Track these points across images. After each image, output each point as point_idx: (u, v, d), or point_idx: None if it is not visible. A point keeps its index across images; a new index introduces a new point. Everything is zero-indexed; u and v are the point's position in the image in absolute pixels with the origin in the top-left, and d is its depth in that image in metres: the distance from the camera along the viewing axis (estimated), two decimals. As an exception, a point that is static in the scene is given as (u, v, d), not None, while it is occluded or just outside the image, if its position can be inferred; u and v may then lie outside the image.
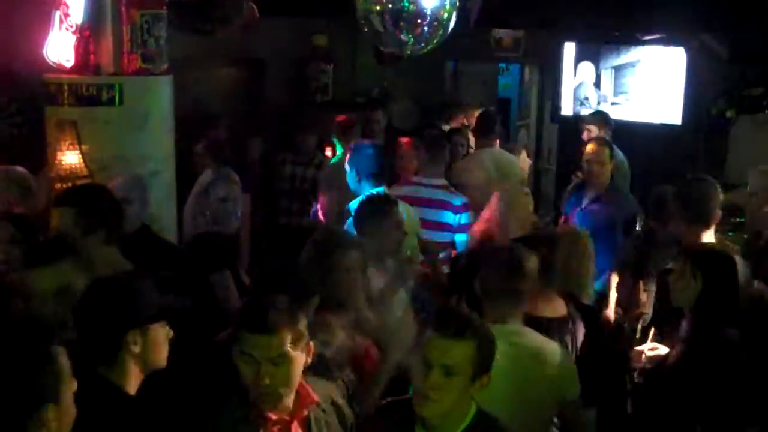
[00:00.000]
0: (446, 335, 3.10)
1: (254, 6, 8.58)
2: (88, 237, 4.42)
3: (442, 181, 6.70)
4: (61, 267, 3.71)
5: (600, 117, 8.53)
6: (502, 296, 4.08)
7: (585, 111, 9.92)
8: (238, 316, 3.18)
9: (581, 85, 10.34)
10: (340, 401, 3.44)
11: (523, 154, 8.38)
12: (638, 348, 4.55)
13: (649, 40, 7.57)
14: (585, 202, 6.95)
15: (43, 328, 2.64)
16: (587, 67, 10.24)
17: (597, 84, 10.20)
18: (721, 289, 4.07)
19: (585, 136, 8.02)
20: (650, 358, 4.45)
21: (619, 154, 7.94)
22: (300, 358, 3.13)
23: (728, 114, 6.14)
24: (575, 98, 10.46)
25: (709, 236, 5.02)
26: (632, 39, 8.36)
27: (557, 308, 4.51)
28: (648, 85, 9.67)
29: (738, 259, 4.70)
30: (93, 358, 3.15)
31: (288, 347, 3.06)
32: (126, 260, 4.56)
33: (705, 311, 4.06)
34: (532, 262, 4.20)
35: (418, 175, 6.72)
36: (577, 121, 9.81)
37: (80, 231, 4.42)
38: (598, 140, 7.25)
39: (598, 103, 10.12)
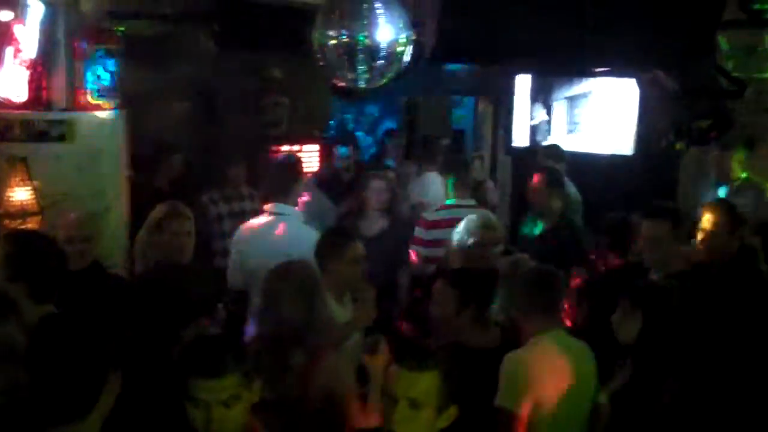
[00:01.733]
0: (410, 368, 3.09)
1: (209, 39, 8.58)
2: (13, 284, 4.23)
3: (473, 201, 7.06)
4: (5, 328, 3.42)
5: (552, 151, 8.61)
6: (538, 309, 4.30)
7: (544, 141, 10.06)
8: (183, 361, 3.14)
9: (538, 120, 10.45)
10: None
11: (490, 183, 8.43)
12: None
13: (601, 72, 7.70)
14: (537, 232, 7.03)
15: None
16: (541, 102, 10.37)
17: (549, 115, 10.31)
18: (661, 326, 4.05)
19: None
20: None
21: (572, 188, 8.02)
22: (250, 398, 3.14)
23: (678, 146, 6.24)
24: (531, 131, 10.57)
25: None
26: (584, 71, 8.48)
27: (491, 339, 4.52)
28: (600, 116, 9.80)
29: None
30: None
31: (239, 388, 3.06)
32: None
33: (645, 350, 4.05)
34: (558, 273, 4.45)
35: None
36: (531, 153, 9.92)
37: (5, 276, 4.30)
38: (541, 170, 7.29)
39: (550, 134, 10.24)
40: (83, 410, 2.86)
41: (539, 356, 4.18)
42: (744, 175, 7.55)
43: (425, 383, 3.08)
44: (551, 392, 4.12)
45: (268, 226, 6.05)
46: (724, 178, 7.48)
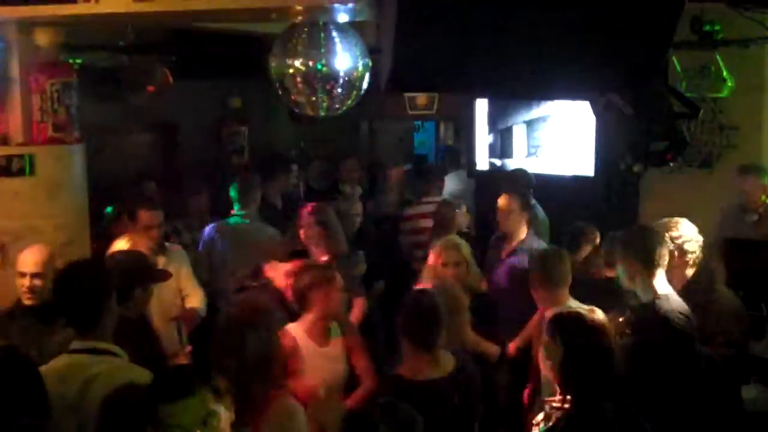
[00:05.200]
0: None
1: (167, 70, 8.56)
2: None
3: (436, 198, 8.59)
4: None
5: (519, 174, 8.67)
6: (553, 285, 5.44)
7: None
8: (150, 393, 3.13)
9: (496, 140, 10.50)
10: None
11: (463, 208, 8.45)
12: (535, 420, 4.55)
13: (555, 95, 7.78)
14: (504, 254, 7.06)
15: None
16: (501, 126, 10.43)
17: (510, 138, 10.37)
18: (582, 356, 4.00)
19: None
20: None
21: (539, 210, 8.06)
22: (226, 415, 3.14)
23: (636, 168, 6.30)
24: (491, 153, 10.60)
25: (662, 281, 4.98)
26: (539, 96, 8.57)
27: (445, 365, 4.52)
28: (560, 138, 9.87)
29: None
30: None
31: (212, 404, 3.07)
32: None
33: (571, 379, 4.01)
34: None
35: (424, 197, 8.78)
36: (492, 175, 9.98)
37: None
38: (509, 193, 7.35)
39: (511, 157, 10.29)
40: None
41: None
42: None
43: None
44: None
45: None
46: (751, 204, 7.49)
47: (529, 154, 10.19)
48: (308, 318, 5.13)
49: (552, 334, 4.12)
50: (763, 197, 7.51)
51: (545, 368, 4.56)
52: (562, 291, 5.48)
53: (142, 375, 3.68)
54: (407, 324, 4.50)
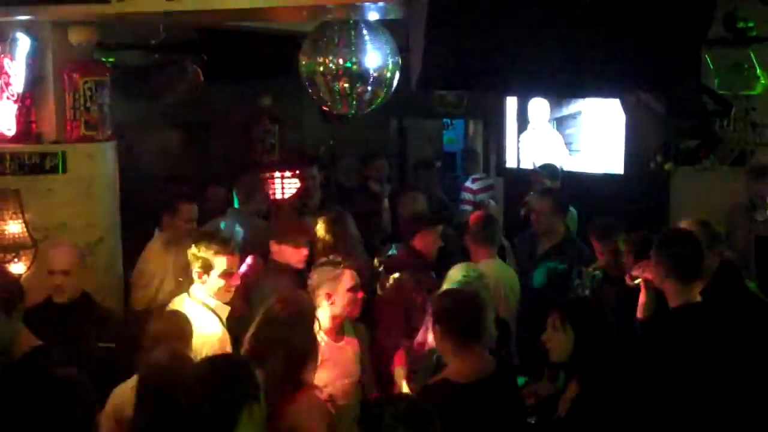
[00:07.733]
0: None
1: (198, 69, 8.61)
2: None
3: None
4: None
5: (549, 169, 8.67)
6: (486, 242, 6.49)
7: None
8: None
9: (527, 138, 10.46)
10: None
11: (494, 204, 8.44)
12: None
13: (585, 93, 7.75)
14: (539, 253, 7.02)
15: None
16: (530, 124, 10.39)
17: (539, 136, 10.33)
18: (594, 341, 4.04)
19: (537, 188, 8.10)
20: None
21: (571, 209, 8.03)
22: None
23: (667, 166, 6.26)
24: (519, 151, 10.58)
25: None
26: (568, 94, 8.53)
27: (488, 364, 4.33)
28: (590, 135, 9.82)
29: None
30: None
31: None
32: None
33: (584, 365, 4.06)
34: None
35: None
36: (522, 173, 9.96)
37: None
38: (541, 192, 7.35)
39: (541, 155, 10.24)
40: None
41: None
42: None
43: None
44: None
45: None
46: (759, 200, 7.37)
47: (559, 152, 10.13)
48: (326, 313, 5.12)
49: (562, 323, 4.11)
50: None
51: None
52: (489, 249, 6.43)
53: None
54: (452, 317, 4.26)
